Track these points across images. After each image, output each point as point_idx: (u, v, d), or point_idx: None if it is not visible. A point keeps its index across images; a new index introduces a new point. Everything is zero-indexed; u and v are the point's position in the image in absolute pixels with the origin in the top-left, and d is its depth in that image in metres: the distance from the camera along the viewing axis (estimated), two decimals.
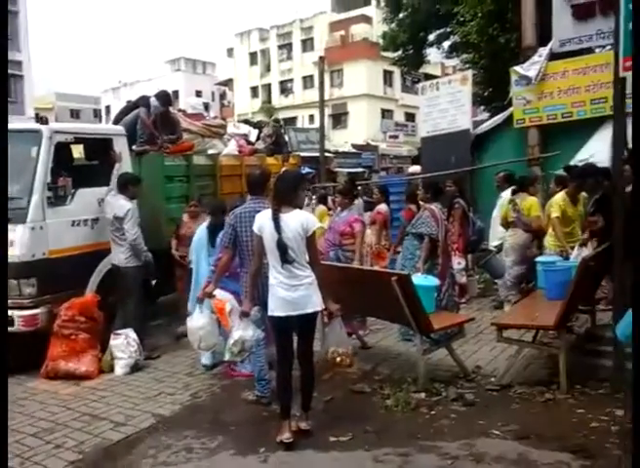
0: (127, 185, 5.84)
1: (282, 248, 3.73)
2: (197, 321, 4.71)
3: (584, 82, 8.66)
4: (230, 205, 5.36)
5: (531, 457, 3.43)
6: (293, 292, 3.74)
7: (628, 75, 4.49)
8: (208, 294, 4.62)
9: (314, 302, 3.80)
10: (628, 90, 7.25)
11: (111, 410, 4.53)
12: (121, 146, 6.44)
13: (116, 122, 7.34)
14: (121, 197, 5.78)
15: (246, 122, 10.21)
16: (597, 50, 9.31)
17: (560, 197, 6.26)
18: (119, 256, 5.75)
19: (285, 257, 3.74)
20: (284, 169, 7.86)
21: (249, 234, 4.25)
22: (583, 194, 6.18)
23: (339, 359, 4.31)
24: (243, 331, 4.08)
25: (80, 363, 5.30)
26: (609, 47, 8.18)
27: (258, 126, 9.81)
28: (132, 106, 7.45)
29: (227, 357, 4.24)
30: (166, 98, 7.47)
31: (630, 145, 7.72)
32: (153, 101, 7.26)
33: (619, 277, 4.56)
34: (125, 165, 6.42)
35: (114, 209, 5.72)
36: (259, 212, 4.09)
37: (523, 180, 7.22)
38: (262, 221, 3.85)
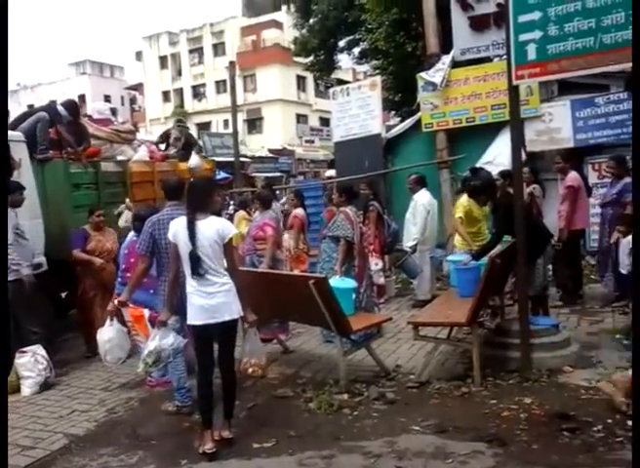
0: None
1: (194, 259, 3.67)
2: (105, 333, 4.56)
3: (485, 89, 9.14)
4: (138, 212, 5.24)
5: (449, 449, 3.55)
6: (210, 299, 3.69)
7: (521, 83, 4.80)
8: (123, 304, 4.50)
9: (232, 310, 3.76)
10: (523, 97, 7.84)
11: (17, 434, 4.23)
12: (20, 153, 6.07)
13: (13, 128, 6.91)
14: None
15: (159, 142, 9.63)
16: (495, 59, 9.87)
17: (465, 198, 6.56)
18: None
19: (196, 269, 3.68)
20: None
21: (168, 241, 4.12)
22: None
23: (251, 370, 4.21)
24: (160, 341, 3.96)
25: None
26: (505, 56, 8.70)
27: (164, 137, 9.41)
28: (32, 112, 7.04)
29: (141, 368, 4.09)
30: (74, 108, 7.21)
31: (528, 148, 8.33)
32: (62, 110, 6.93)
33: (522, 273, 4.84)
34: (26, 173, 6.06)
35: None
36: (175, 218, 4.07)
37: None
38: (177, 229, 3.78)
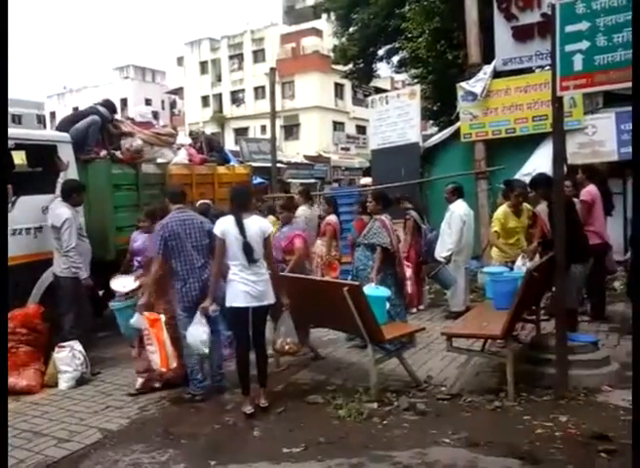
0: (70, 193, 5.68)
1: (248, 248, 4.29)
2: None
3: (526, 100, 9.02)
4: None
5: (480, 464, 3.48)
6: (254, 286, 4.33)
7: (566, 94, 4.71)
8: (146, 307, 4.82)
9: (270, 296, 4.43)
10: (566, 109, 7.70)
11: (54, 426, 4.36)
12: (67, 153, 6.25)
13: (61, 129, 7.12)
14: (63, 205, 5.60)
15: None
16: (537, 70, 9.73)
17: (501, 211, 6.44)
18: (58, 265, 5.57)
19: (252, 256, 4.31)
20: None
21: (178, 242, 4.78)
22: (527, 206, 6.38)
23: (287, 347, 4.65)
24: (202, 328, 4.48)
25: (21, 377, 5.07)
26: (547, 67, 8.56)
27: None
28: (78, 114, 7.22)
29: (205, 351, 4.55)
30: (114, 106, 7.46)
31: (569, 161, 8.17)
32: (104, 111, 7.12)
33: (560, 286, 4.73)
34: (71, 172, 6.23)
35: (52, 217, 5.56)
36: (184, 220, 4.85)
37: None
38: (226, 225, 4.36)
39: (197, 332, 4.46)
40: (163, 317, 4.80)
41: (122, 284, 5.62)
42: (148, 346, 4.77)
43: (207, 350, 4.52)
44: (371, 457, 3.64)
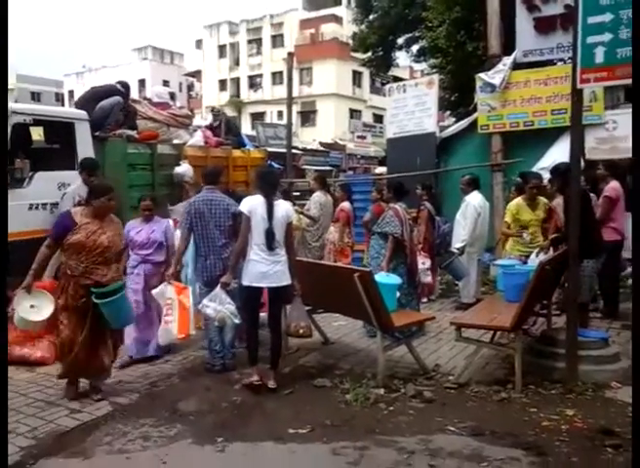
0: (82, 169, 5.79)
1: (270, 235, 4.40)
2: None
3: (546, 92, 8.90)
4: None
5: (484, 453, 3.50)
6: (272, 267, 4.44)
7: (586, 87, 4.64)
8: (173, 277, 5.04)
9: (287, 277, 4.53)
10: (586, 103, 7.59)
11: None
12: (83, 131, 6.30)
13: (79, 106, 7.16)
14: (79, 180, 5.72)
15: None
16: (558, 63, 9.59)
17: (514, 203, 6.40)
18: None
19: (272, 243, 4.41)
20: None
21: (204, 221, 4.96)
22: (544, 200, 6.33)
23: (301, 331, 4.74)
24: (222, 305, 4.59)
25: (35, 348, 5.18)
26: (569, 60, 8.43)
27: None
28: (106, 90, 7.25)
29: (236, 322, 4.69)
30: (129, 89, 7.61)
31: (587, 156, 8.07)
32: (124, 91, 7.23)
33: (572, 281, 4.71)
34: (87, 151, 6.28)
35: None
36: (211, 200, 5.01)
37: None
38: (254, 205, 4.45)
39: (224, 306, 4.56)
40: (190, 286, 5.10)
41: (29, 305, 4.50)
42: (167, 317, 4.92)
43: (237, 320, 4.68)
44: (376, 442, 3.68)
